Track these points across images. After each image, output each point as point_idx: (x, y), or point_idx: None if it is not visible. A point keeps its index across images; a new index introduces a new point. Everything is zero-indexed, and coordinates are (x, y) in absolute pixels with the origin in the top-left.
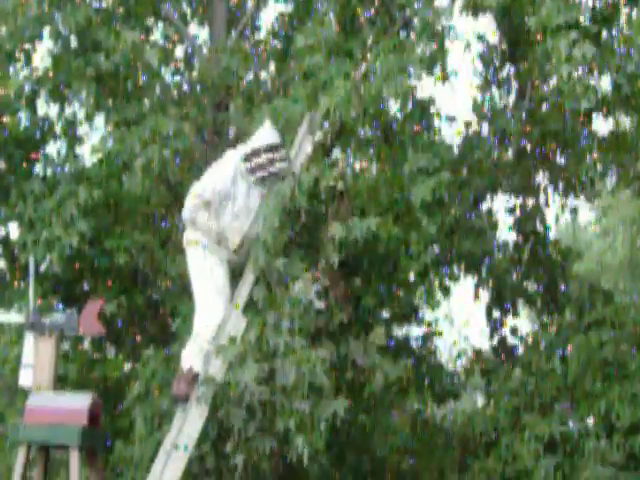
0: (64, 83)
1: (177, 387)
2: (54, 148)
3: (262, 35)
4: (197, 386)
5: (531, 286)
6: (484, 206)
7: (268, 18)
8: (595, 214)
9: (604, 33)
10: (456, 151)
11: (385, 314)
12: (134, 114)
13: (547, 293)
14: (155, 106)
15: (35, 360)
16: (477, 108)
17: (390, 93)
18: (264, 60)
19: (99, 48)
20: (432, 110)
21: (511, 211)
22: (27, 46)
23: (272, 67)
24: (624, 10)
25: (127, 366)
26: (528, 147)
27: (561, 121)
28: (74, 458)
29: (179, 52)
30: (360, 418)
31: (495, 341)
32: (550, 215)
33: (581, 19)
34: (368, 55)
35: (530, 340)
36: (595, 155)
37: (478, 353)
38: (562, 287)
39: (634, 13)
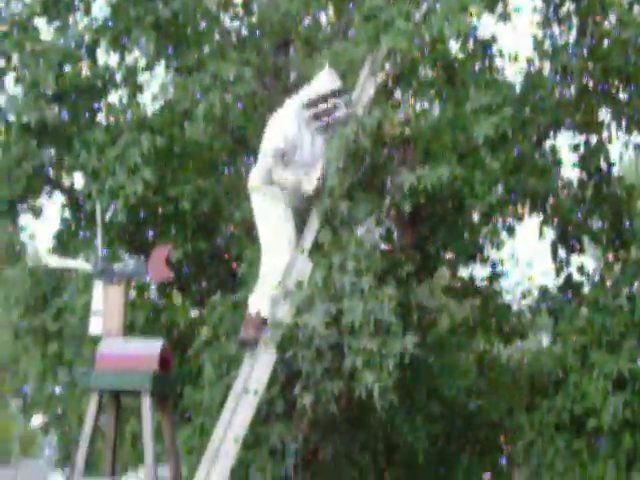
0: (124, 32)
1: (245, 332)
2: (116, 97)
3: None
4: (265, 330)
5: (596, 223)
6: (548, 144)
7: None
8: None
9: None
10: (518, 90)
11: (450, 255)
12: (194, 61)
13: (612, 230)
14: (215, 52)
15: (104, 307)
16: (538, 46)
17: (451, 32)
18: (323, 3)
19: None
20: (493, 49)
21: (575, 148)
22: None
23: (331, 10)
24: None
25: (194, 313)
26: (590, 84)
27: (623, 57)
28: (146, 403)
29: None
30: (427, 359)
31: (561, 280)
32: (614, 152)
33: None
34: None
35: (596, 278)
36: None
37: (544, 292)
38: (627, 223)
39: None
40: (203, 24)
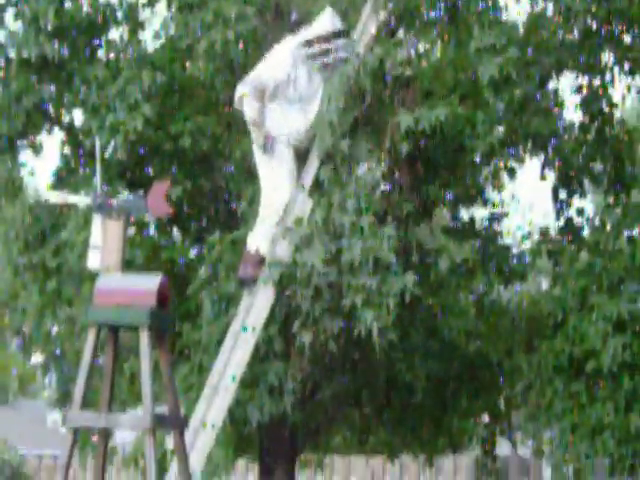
0: None
1: (244, 270)
2: (116, 34)
3: None
4: (264, 268)
5: (597, 166)
6: (550, 86)
7: None
8: None
9: None
10: (521, 30)
11: (450, 196)
12: None
13: (613, 173)
14: None
15: (103, 242)
16: None
17: None
18: None
19: None
20: None
21: (578, 90)
22: None
23: None
24: None
25: (193, 252)
26: (594, 26)
27: None
28: (144, 338)
29: None
30: (427, 300)
31: (561, 222)
32: (616, 95)
33: None
34: None
35: (597, 221)
36: None
37: (545, 234)
38: (628, 168)
39: None
40: None
